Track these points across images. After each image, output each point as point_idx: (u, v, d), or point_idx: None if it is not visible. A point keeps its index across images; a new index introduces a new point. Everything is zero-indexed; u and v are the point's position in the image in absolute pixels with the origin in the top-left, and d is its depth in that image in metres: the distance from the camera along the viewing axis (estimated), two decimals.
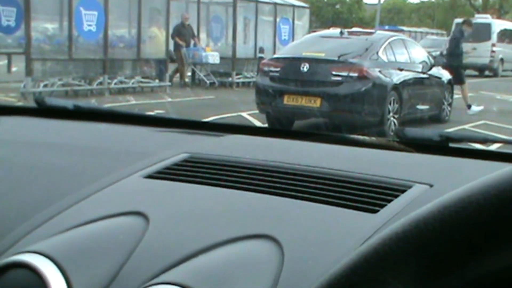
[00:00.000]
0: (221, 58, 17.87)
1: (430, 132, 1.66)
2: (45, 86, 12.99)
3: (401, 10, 61.19)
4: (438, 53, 19.48)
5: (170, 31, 16.59)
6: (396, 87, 10.14)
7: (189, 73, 17.82)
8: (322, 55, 10.09)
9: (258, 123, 10.46)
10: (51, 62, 13.46)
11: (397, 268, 0.55)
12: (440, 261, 0.54)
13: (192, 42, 17.19)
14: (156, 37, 15.93)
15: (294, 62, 10.15)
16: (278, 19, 19.22)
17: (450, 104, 11.80)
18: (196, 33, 17.56)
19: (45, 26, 13.98)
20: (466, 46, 25.31)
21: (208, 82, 16.68)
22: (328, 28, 23.20)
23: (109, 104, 11.82)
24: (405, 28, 40.75)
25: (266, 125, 10.09)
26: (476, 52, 25.47)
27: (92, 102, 12.02)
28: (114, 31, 14.77)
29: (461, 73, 13.10)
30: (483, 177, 0.55)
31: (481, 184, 0.55)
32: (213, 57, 17.05)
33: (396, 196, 1.19)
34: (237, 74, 17.36)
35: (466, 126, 10.68)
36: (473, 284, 0.55)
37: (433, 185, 1.24)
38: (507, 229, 0.53)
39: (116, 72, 14.68)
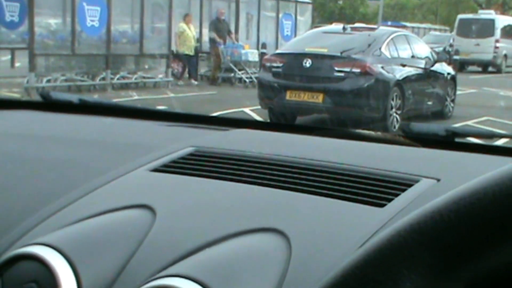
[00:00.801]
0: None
1: (436, 127, 1.66)
2: (48, 81, 13.01)
3: (404, 6, 61.08)
4: (441, 49, 19.48)
5: (173, 26, 16.57)
6: (399, 83, 10.14)
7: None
8: (324, 51, 10.09)
9: (260, 119, 10.45)
10: (54, 57, 13.49)
11: (411, 259, 0.55)
12: (454, 253, 0.54)
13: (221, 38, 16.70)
14: (185, 33, 15.81)
15: (296, 57, 10.15)
16: (280, 15, 19.22)
17: (453, 100, 11.78)
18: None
19: (49, 22, 13.99)
20: (469, 42, 25.39)
21: (247, 81, 16.01)
22: (331, 23, 23.19)
23: (112, 99, 11.82)
24: (408, 24, 40.65)
25: (268, 121, 10.10)
26: (479, 48, 25.44)
27: (95, 98, 12.03)
28: (117, 27, 14.78)
29: None
30: (498, 169, 0.55)
31: (496, 176, 0.55)
32: (253, 55, 16.48)
33: (403, 191, 1.19)
34: (239, 70, 17.34)
35: (469, 122, 10.67)
36: (487, 275, 0.55)
37: (440, 180, 1.24)
38: None
39: (119, 67, 14.69)
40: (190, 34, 15.99)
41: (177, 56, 16.01)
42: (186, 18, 16.25)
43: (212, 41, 16.50)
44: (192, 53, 16.09)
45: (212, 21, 16.98)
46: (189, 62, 16.08)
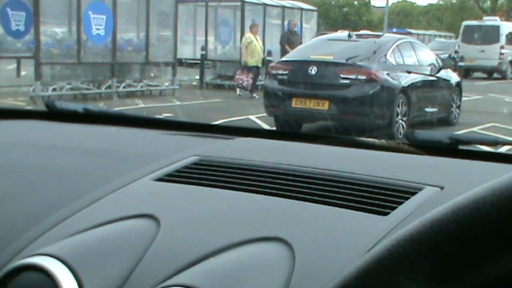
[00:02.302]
0: (230, 61, 17.87)
1: (440, 134, 1.66)
2: (54, 90, 13.04)
3: (409, 12, 61.12)
4: (446, 55, 19.47)
5: (179, 34, 16.57)
6: (405, 90, 10.13)
7: (197, 76, 17.84)
8: (330, 58, 10.09)
9: (266, 126, 10.47)
10: (60, 66, 13.52)
11: (411, 269, 0.55)
12: (454, 263, 0.54)
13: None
14: (252, 44, 15.52)
15: (302, 65, 10.15)
16: (286, 22, 19.22)
17: (458, 107, 11.77)
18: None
19: (54, 30, 14.02)
20: (474, 49, 25.38)
21: None
22: (336, 31, 23.19)
23: (117, 107, 11.86)
24: (413, 30, 40.71)
25: (274, 129, 10.10)
26: (484, 55, 25.43)
27: (101, 106, 12.05)
28: (122, 35, 14.80)
29: None
30: (497, 179, 0.56)
31: (495, 186, 0.55)
32: None
33: (407, 199, 1.19)
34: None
35: (474, 129, 10.66)
36: (487, 284, 0.55)
37: (443, 188, 1.24)
38: None
39: (125, 75, 14.72)
40: (257, 45, 15.63)
41: (245, 68, 15.53)
42: (253, 28, 15.88)
43: (284, 53, 15.29)
44: (260, 64, 15.63)
45: (284, 33, 16.61)
46: (256, 73, 15.55)
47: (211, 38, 19.48)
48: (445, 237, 0.54)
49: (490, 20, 28.52)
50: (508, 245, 0.53)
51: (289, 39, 16.18)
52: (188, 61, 21.41)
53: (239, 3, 18.17)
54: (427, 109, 10.86)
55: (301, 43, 16.02)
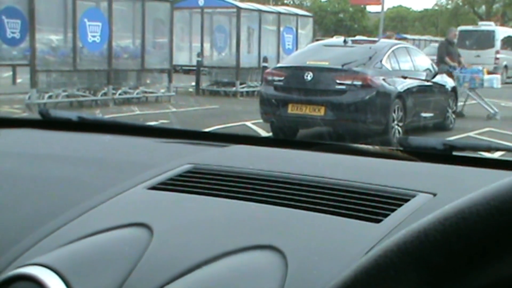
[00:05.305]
0: (226, 67, 17.89)
1: (433, 140, 1.66)
2: (50, 97, 13.04)
3: (404, 18, 61.27)
4: None
5: (175, 40, 16.59)
6: (400, 95, 10.14)
7: (194, 83, 17.85)
8: (326, 64, 10.10)
9: (262, 132, 10.47)
10: (56, 73, 13.51)
11: (398, 280, 0.55)
12: (441, 273, 0.54)
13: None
14: None
15: (298, 71, 10.15)
16: (281, 28, 19.26)
17: (454, 112, 11.79)
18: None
19: (50, 38, 14.01)
20: (470, 54, 25.44)
21: (492, 111, 13.15)
22: (332, 36, 23.22)
23: (113, 114, 11.86)
24: (408, 36, 40.78)
25: (270, 134, 10.10)
26: (480, 60, 25.48)
27: (97, 113, 12.05)
28: (118, 42, 14.81)
29: None
30: (484, 188, 0.56)
31: (482, 195, 0.55)
32: (497, 81, 13.62)
33: (400, 206, 1.19)
34: (241, 84, 17.39)
35: (471, 134, 10.67)
36: None
37: (436, 194, 1.24)
38: (508, 239, 0.53)
39: (121, 82, 14.72)
40: None
41: None
42: (388, 37, 15.69)
43: (443, 65, 13.84)
44: None
45: (442, 44, 14.98)
46: None
47: (207, 45, 19.50)
48: (432, 247, 0.54)
49: (485, 25, 28.63)
50: (494, 254, 0.53)
51: (448, 50, 14.32)
52: (184, 67, 21.43)
53: (234, 10, 18.20)
54: (423, 114, 10.87)
55: (459, 54, 14.72)
